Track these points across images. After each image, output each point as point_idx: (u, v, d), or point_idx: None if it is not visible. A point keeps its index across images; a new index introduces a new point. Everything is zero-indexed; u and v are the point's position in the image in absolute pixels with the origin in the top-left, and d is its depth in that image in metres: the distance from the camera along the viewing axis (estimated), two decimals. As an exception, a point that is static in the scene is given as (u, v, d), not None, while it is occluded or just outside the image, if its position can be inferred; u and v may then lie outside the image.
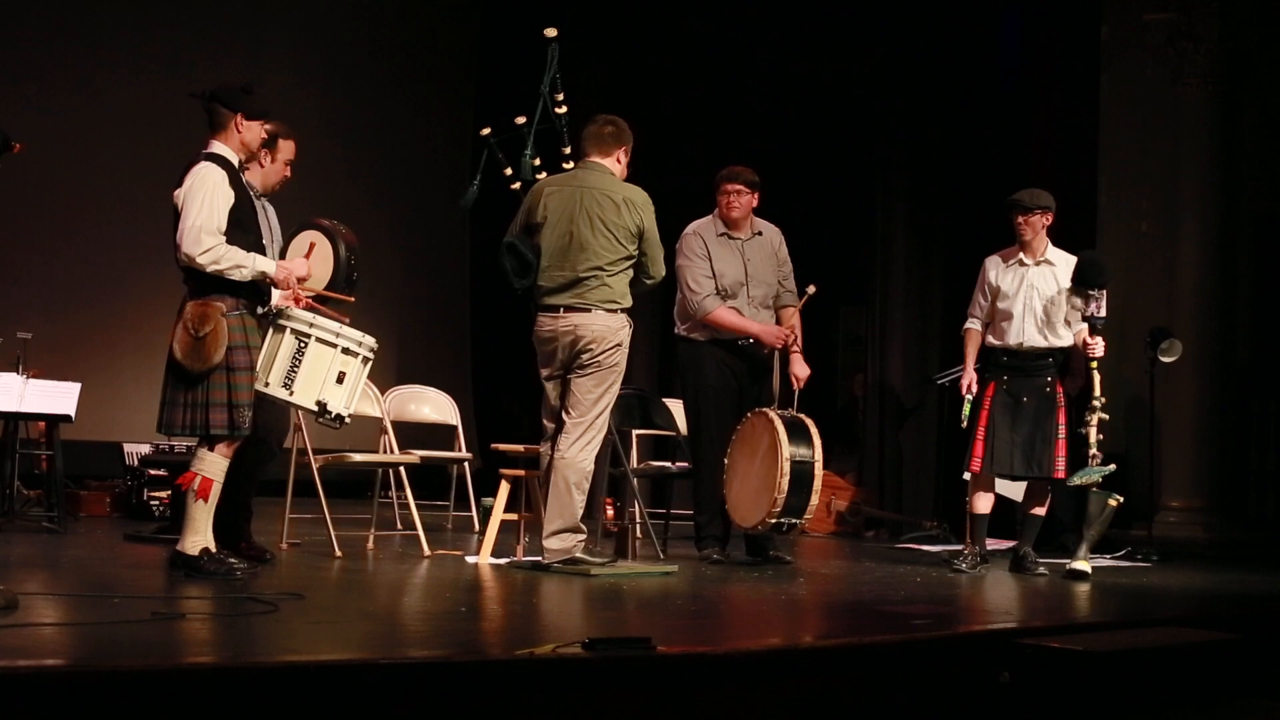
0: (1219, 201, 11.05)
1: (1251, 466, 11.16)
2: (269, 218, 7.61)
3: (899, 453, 12.25)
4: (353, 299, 7.44)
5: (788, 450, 8.21)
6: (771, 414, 8.41)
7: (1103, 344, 8.57)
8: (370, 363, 7.27)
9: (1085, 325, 8.59)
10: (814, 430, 8.35)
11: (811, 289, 8.91)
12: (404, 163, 14.99)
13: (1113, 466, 8.54)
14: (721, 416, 8.78)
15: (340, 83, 14.55)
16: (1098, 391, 8.47)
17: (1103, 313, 8.57)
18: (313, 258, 7.38)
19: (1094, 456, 8.44)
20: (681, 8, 13.87)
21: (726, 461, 8.57)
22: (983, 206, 11.86)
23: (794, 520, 8.30)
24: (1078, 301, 8.61)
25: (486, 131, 8.17)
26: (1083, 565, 8.45)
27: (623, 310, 7.71)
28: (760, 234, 8.93)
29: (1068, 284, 8.64)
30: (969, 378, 8.81)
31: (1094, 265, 8.66)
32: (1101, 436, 8.47)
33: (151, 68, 12.95)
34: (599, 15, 14.06)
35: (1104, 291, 8.60)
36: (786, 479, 8.20)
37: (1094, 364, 8.52)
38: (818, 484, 8.32)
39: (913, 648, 5.60)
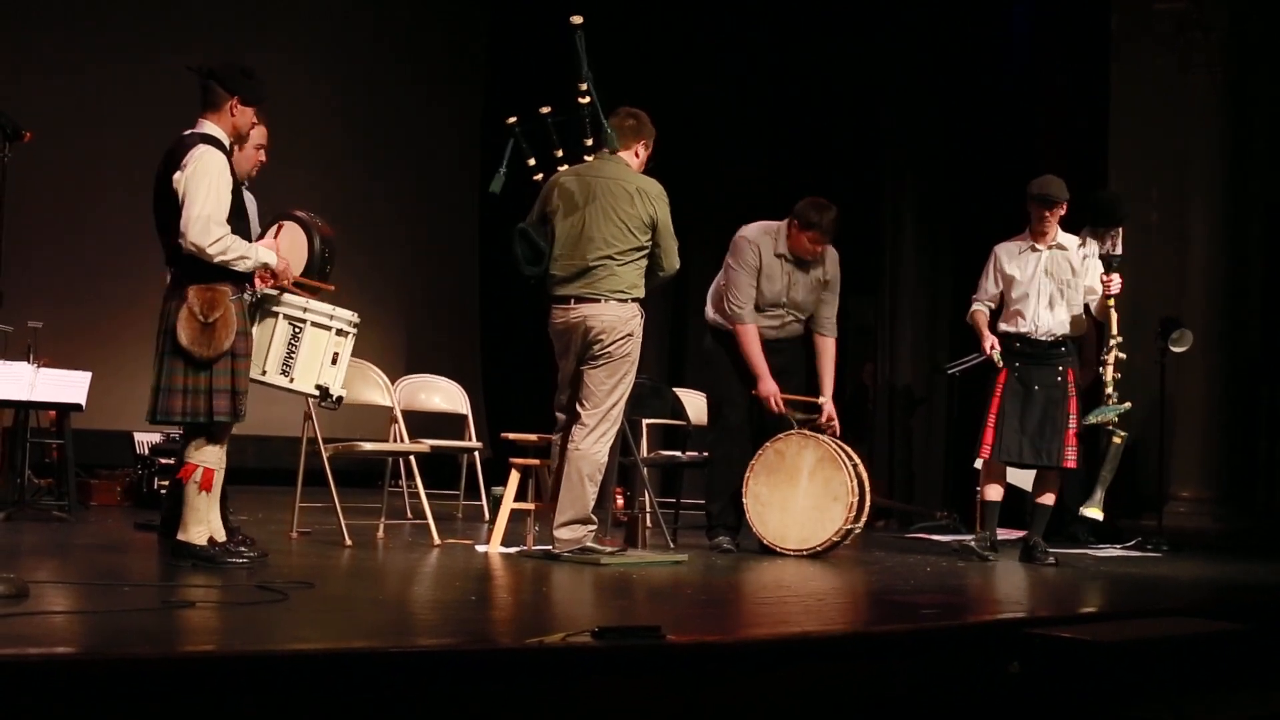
0: (1229, 190, 11.04)
1: (1262, 456, 11.15)
2: (248, 207, 7.53)
3: (909, 442, 12.27)
4: (332, 287, 7.37)
5: (845, 456, 8.49)
6: (808, 433, 8.62)
7: (1119, 281, 8.54)
8: (354, 338, 7.27)
9: (1102, 264, 8.57)
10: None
11: (832, 408, 8.95)
12: (414, 151, 15.00)
13: (1128, 405, 8.55)
14: (745, 408, 8.85)
15: (349, 70, 14.58)
16: (1114, 330, 8.46)
17: (1119, 250, 8.54)
18: (282, 239, 7.30)
19: (1109, 396, 8.44)
20: (688, 4, 13.85)
21: (748, 501, 8.65)
22: (991, 195, 11.87)
23: (858, 526, 8.50)
24: (1094, 245, 8.60)
25: (512, 120, 8.14)
26: (1095, 513, 8.46)
27: (634, 300, 7.70)
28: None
29: (1080, 267, 8.66)
30: (990, 339, 8.73)
31: (1109, 203, 8.67)
32: (1119, 375, 8.46)
33: (159, 55, 12.96)
34: (600, 8, 14.05)
35: (1120, 229, 8.58)
36: (856, 482, 8.42)
37: (1111, 302, 8.51)
38: (866, 481, 8.60)
39: (922, 637, 5.60)
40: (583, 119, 7.97)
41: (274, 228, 7.37)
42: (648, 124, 7.94)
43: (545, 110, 8.01)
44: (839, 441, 8.62)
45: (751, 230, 8.84)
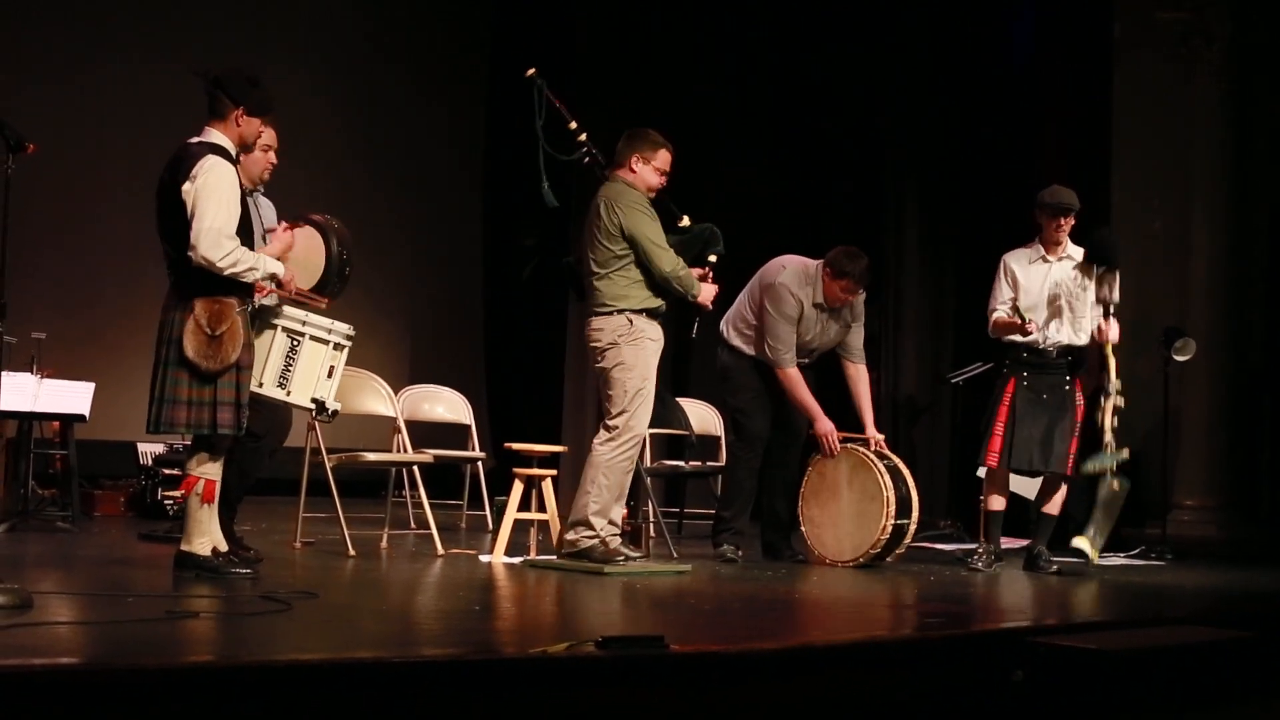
0: (1232, 199, 11.02)
1: (1265, 464, 11.13)
2: (260, 213, 7.53)
3: (912, 451, 12.24)
4: (324, 304, 7.34)
5: (874, 456, 8.60)
6: (844, 447, 8.76)
7: (1118, 328, 8.55)
8: (348, 350, 7.28)
9: (1100, 310, 8.57)
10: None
11: (881, 435, 8.99)
12: (416, 158, 14.97)
13: (1126, 453, 8.54)
14: (760, 417, 8.93)
15: (351, 78, 14.54)
16: (1114, 377, 8.46)
17: (1116, 296, 8.56)
18: (297, 239, 7.27)
19: (1108, 444, 8.44)
20: (689, 5, 13.84)
21: (805, 528, 8.84)
22: (995, 204, 11.86)
23: (905, 520, 8.57)
24: (1094, 287, 8.60)
25: (532, 72, 8.08)
26: (1085, 545, 8.44)
27: (620, 311, 7.79)
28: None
29: (1087, 283, 8.66)
30: (1028, 322, 8.61)
31: (1104, 245, 8.66)
32: (1116, 424, 8.46)
33: (160, 62, 12.93)
34: (601, 8, 14.05)
35: (1116, 274, 8.59)
36: (889, 477, 8.49)
37: (1109, 349, 8.51)
38: (909, 477, 8.67)
39: (926, 646, 5.60)
40: (589, 154, 8.01)
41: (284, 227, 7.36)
42: (638, 138, 8.00)
43: (572, 124, 8.00)
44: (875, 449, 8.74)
45: (791, 280, 8.82)
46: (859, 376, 9.02)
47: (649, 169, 7.94)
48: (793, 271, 8.86)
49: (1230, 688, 5.85)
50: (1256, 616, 6.87)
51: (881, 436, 8.92)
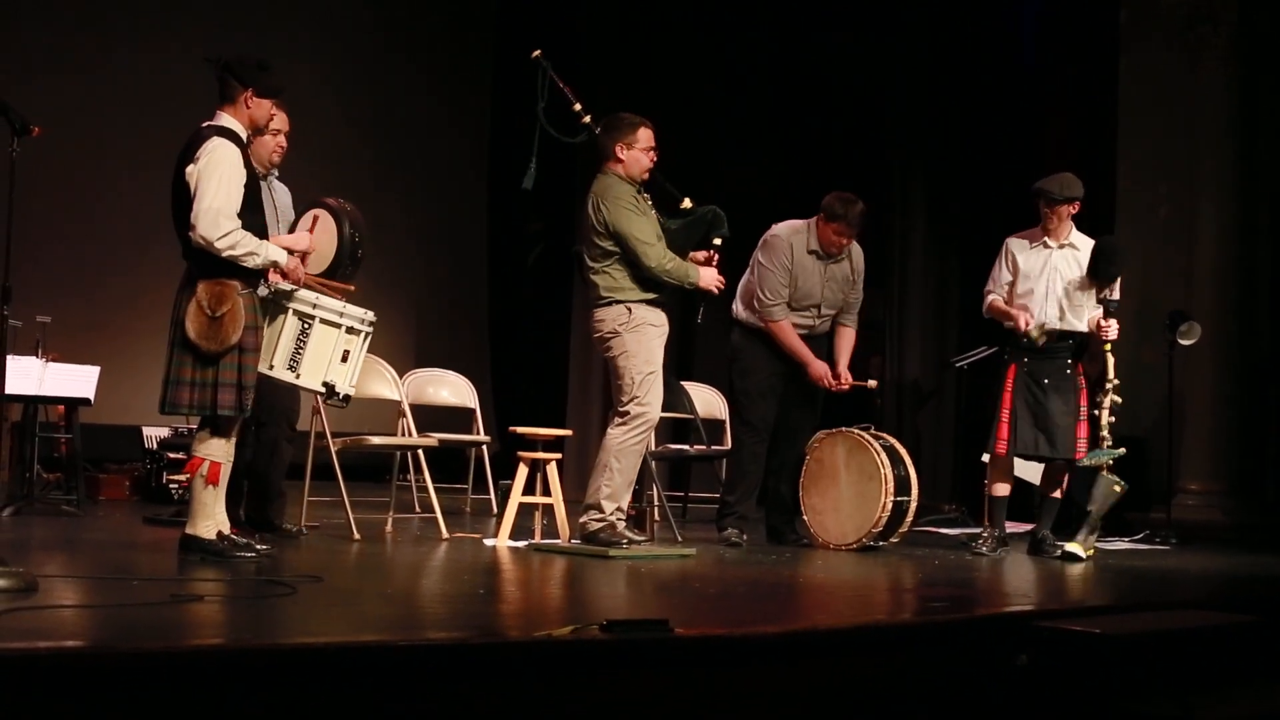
0: (1238, 186, 11.02)
1: (1270, 449, 11.13)
2: (275, 198, 7.54)
3: (917, 436, 12.26)
4: (352, 287, 7.40)
5: (870, 437, 8.64)
6: (839, 431, 8.80)
7: (1117, 327, 8.56)
8: (370, 337, 7.27)
9: (1100, 308, 8.59)
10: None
11: (873, 384, 9.19)
12: (421, 146, 14.99)
13: (1122, 450, 8.55)
14: (767, 402, 8.94)
15: (357, 66, 14.56)
16: (1111, 374, 8.47)
17: (1116, 295, 8.58)
18: (315, 232, 7.32)
19: (1104, 439, 8.45)
20: (690, 5, 13.83)
21: (807, 515, 8.84)
22: (1001, 190, 11.85)
23: (905, 498, 8.58)
24: (1093, 291, 8.62)
25: (537, 54, 8.10)
26: (1078, 549, 8.44)
27: (620, 301, 7.82)
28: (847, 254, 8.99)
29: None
30: (1022, 316, 8.60)
31: (1109, 252, 8.65)
32: (1114, 419, 8.47)
33: (164, 47, 12.97)
34: (602, 8, 14.03)
35: (1119, 277, 8.62)
36: (886, 456, 8.53)
37: (1108, 346, 8.52)
38: (906, 457, 8.69)
39: (931, 630, 5.60)
40: (589, 137, 8.01)
41: (309, 218, 7.39)
42: (614, 126, 7.96)
43: (580, 107, 8.01)
44: (867, 430, 8.77)
45: (783, 229, 8.92)
46: (845, 337, 9.05)
47: (635, 153, 7.92)
48: (787, 224, 8.98)
49: (1234, 672, 5.85)
50: (1260, 600, 6.87)
51: (848, 376, 8.93)
